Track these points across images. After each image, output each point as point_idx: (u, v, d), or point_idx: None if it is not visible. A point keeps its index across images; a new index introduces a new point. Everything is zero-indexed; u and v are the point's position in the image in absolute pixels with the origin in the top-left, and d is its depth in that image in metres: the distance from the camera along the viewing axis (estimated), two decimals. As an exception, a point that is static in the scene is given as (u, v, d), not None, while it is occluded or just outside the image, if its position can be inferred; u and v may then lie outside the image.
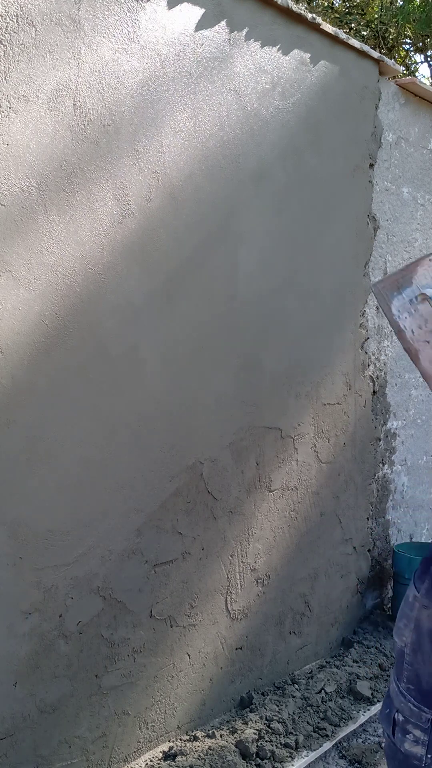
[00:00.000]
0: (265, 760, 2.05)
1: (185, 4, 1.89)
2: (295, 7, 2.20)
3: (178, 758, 2.01)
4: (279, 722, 2.21)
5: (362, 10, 8.81)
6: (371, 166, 2.71)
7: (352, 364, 2.65)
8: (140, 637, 1.99)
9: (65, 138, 1.65)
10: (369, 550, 2.96)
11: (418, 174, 2.98)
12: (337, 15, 8.53)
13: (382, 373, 2.91)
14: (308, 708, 2.34)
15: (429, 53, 9.68)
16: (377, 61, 2.63)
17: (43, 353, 1.67)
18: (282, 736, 2.16)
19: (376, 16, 8.69)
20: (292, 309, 2.36)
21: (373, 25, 8.66)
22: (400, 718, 1.72)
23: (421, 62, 10.08)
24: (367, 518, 2.93)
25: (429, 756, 1.73)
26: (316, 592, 2.65)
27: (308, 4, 8.19)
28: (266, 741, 2.12)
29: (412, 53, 9.79)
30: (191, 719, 2.20)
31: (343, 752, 2.22)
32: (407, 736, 1.72)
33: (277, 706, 2.32)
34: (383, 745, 1.91)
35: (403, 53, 9.43)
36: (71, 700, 1.83)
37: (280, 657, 2.53)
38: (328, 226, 2.43)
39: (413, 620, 1.72)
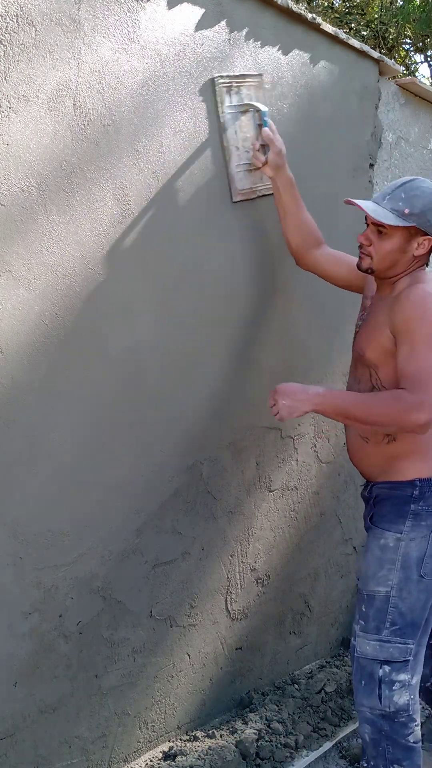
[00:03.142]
0: (265, 760, 2.06)
1: (185, 4, 1.89)
2: (295, 7, 2.20)
3: (178, 758, 2.01)
4: (279, 722, 2.21)
5: (362, 10, 8.82)
6: (371, 166, 2.71)
7: (352, 364, 2.65)
8: (140, 637, 1.99)
9: (65, 138, 1.65)
10: (369, 550, 2.96)
11: (418, 174, 2.98)
12: (337, 15, 8.53)
13: (382, 373, 2.91)
14: (308, 708, 2.34)
15: (429, 53, 9.68)
16: (377, 61, 2.63)
17: (43, 353, 1.67)
18: (282, 736, 2.16)
19: (376, 16, 8.69)
20: (291, 309, 2.36)
21: (373, 25, 8.66)
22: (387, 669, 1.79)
23: (421, 62, 10.09)
24: (367, 518, 2.93)
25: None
26: (316, 592, 2.65)
27: (308, 4, 8.20)
28: (266, 741, 2.13)
29: (412, 53, 9.80)
30: (191, 719, 2.21)
31: (343, 752, 2.23)
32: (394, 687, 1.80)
33: (277, 706, 2.32)
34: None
35: (403, 53, 9.44)
36: (71, 700, 1.83)
37: (280, 657, 2.53)
38: (328, 226, 2.42)
39: (398, 560, 1.81)
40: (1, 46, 1.50)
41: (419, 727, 1.83)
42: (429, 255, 1.88)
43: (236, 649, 2.34)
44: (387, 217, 1.78)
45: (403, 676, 1.79)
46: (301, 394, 1.82)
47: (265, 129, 2.04)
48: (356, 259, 2.09)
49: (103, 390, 1.81)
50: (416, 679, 1.82)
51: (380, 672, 1.80)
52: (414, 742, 1.81)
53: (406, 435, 1.82)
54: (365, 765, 1.89)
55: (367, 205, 1.82)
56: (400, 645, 1.80)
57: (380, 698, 1.80)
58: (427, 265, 1.94)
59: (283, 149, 2.06)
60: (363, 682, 1.82)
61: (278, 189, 2.09)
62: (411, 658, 1.80)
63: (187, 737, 2.15)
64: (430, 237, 1.81)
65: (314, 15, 2.30)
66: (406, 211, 1.77)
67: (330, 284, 2.23)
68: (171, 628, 2.09)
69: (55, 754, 1.81)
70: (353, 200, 1.84)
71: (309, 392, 1.82)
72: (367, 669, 1.82)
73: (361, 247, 1.87)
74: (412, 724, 1.81)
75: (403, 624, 1.80)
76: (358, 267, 1.89)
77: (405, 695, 1.79)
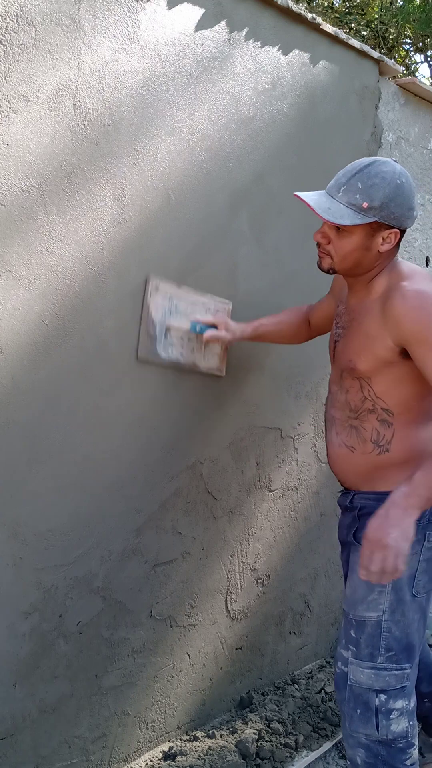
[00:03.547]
0: (265, 760, 2.05)
1: (185, 4, 1.89)
2: (295, 7, 2.20)
3: (178, 758, 2.01)
4: (279, 722, 2.21)
5: (362, 10, 8.82)
6: (371, 166, 2.71)
7: (352, 364, 2.64)
8: (140, 637, 1.99)
9: (65, 138, 1.65)
10: (369, 550, 2.96)
11: (418, 174, 2.98)
12: (337, 15, 8.53)
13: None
14: (308, 708, 2.34)
15: (429, 53, 9.69)
16: (377, 61, 2.63)
17: (43, 353, 1.67)
18: (282, 736, 2.16)
19: (376, 16, 8.69)
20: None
21: (373, 25, 8.66)
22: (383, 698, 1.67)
23: (421, 62, 10.09)
24: (367, 518, 2.93)
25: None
26: (316, 592, 2.65)
27: (308, 4, 8.20)
28: (266, 741, 2.12)
29: (412, 53, 9.80)
30: (191, 719, 2.21)
31: (343, 752, 2.22)
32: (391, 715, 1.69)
33: (277, 706, 2.32)
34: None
35: (403, 53, 9.44)
36: (71, 700, 1.83)
37: (280, 657, 2.53)
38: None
39: (389, 582, 1.61)
40: (1, 46, 1.50)
41: (416, 750, 1.72)
42: (398, 247, 1.67)
43: (236, 649, 2.34)
44: (342, 216, 1.55)
45: (400, 703, 1.64)
46: (394, 512, 1.49)
47: (207, 334, 1.98)
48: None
49: (102, 390, 1.81)
50: (414, 703, 1.69)
51: (376, 701, 1.63)
52: (411, 765, 1.69)
53: (401, 445, 1.67)
54: None
55: (319, 202, 1.58)
56: (396, 672, 1.64)
57: (377, 727, 1.64)
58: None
59: (233, 334, 2.00)
60: (358, 711, 1.66)
61: (254, 339, 2.07)
62: (408, 683, 1.65)
63: (187, 737, 2.15)
64: (396, 230, 1.59)
65: (314, 15, 2.30)
66: (365, 204, 1.54)
67: (329, 285, 2.17)
68: (171, 628, 2.09)
69: (55, 754, 1.81)
70: (300, 195, 1.61)
71: (399, 504, 1.49)
72: (362, 698, 1.65)
73: (319, 245, 1.67)
74: (411, 749, 1.68)
75: (398, 649, 1.64)
76: (319, 267, 1.70)
77: (403, 722, 1.65)
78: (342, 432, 1.75)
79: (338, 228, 1.60)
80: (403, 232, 1.63)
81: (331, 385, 1.84)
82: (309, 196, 1.60)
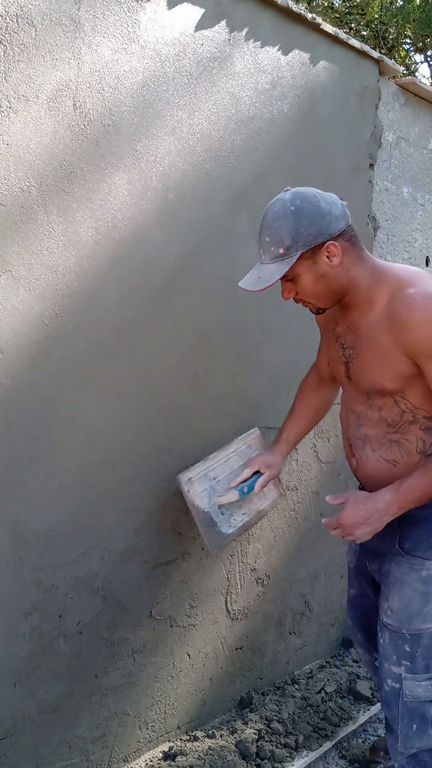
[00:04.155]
0: (265, 760, 2.05)
1: (185, 4, 1.89)
2: (295, 7, 2.20)
3: (178, 758, 2.01)
4: (279, 722, 2.21)
5: (362, 10, 8.82)
6: (371, 166, 2.71)
7: (352, 364, 2.64)
8: (140, 637, 1.99)
9: (65, 138, 1.65)
10: (369, 550, 2.96)
11: (418, 174, 2.98)
12: (337, 15, 8.54)
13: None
14: (308, 708, 2.34)
15: (429, 53, 9.69)
16: (377, 61, 2.63)
17: (43, 353, 1.67)
18: (282, 736, 2.16)
19: (376, 16, 8.70)
20: (292, 309, 2.36)
21: (373, 25, 8.67)
22: None
23: (421, 62, 10.10)
24: (367, 518, 2.92)
25: None
26: (316, 592, 2.65)
27: (308, 4, 8.20)
28: (266, 741, 2.12)
29: (412, 53, 9.81)
30: (191, 719, 2.21)
31: (343, 752, 2.22)
32: None
33: (277, 706, 2.32)
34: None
35: (403, 53, 9.45)
36: (71, 700, 1.83)
37: (280, 657, 2.53)
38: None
39: None
40: (1, 46, 1.50)
41: None
42: (354, 246, 1.60)
43: (236, 649, 2.34)
44: (271, 275, 1.56)
45: None
46: (373, 514, 1.59)
47: (258, 485, 1.97)
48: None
49: (102, 390, 1.81)
50: None
51: None
52: None
53: None
54: None
55: (251, 279, 1.60)
56: None
57: None
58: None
59: (276, 466, 2.00)
60: (414, 726, 1.67)
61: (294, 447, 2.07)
62: None
63: (187, 737, 2.15)
64: (330, 242, 1.55)
65: (314, 15, 2.30)
66: (281, 251, 1.54)
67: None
68: (171, 628, 2.09)
69: (55, 754, 1.81)
70: (240, 284, 1.62)
71: (379, 506, 1.59)
72: (418, 711, 1.66)
73: (295, 301, 1.68)
74: None
75: None
76: (313, 312, 1.71)
77: None
78: (380, 448, 1.69)
79: (288, 279, 1.61)
80: (343, 233, 1.57)
81: (353, 405, 1.75)
82: (244, 280, 1.62)
